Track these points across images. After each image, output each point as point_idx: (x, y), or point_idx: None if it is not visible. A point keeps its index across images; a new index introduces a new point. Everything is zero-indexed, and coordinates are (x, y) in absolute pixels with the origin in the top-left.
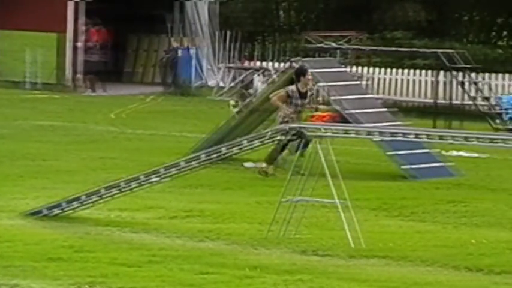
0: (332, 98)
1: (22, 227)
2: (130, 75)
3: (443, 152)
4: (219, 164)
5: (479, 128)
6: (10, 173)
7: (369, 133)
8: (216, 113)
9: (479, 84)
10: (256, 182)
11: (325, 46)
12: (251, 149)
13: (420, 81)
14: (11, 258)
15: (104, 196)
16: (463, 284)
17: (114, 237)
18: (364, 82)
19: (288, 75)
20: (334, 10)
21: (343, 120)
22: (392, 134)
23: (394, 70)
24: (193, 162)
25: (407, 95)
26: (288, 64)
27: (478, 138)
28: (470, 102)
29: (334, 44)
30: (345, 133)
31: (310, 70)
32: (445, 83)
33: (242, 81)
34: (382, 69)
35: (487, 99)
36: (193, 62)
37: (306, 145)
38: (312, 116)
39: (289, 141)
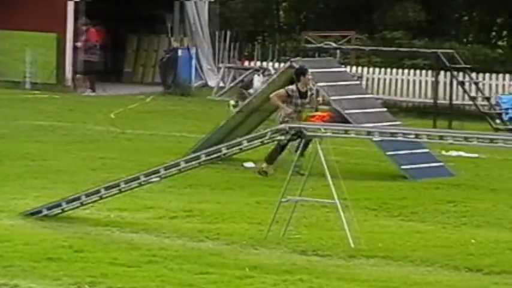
0: (332, 98)
1: (22, 227)
2: (130, 75)
3: (443, 152)
4: (219, 164)
5: (479, 128)
6: (10, 173)
7: (369, 133)
8: (216, 113)
9: (480, 84)
10: (256, 182)
11: (325, 46)
12: (251, 149)
13: (420, 81)
14: (11, 258)
15: (104, 196)
16: (463, 284)
17: (114, 237)
18: (364, 82)
19: (288, 75)
20: (334, 10)
21: (343, 120)
22: (392, 134)
23: (394, 70)
24: (193, 162)
25: (407, 95)
26: (287, 64)
27: (478, 138)
28: (471, 102)
29: (334, 44)
30: (345, 133)
31: (310, 70)
32: (445, 83)
33: (242, 81)
34: (382, 69)
35: (487, 99)
36: (193, 62)
37: (306, 145)
38: (312, 116)
39: (289, 141)
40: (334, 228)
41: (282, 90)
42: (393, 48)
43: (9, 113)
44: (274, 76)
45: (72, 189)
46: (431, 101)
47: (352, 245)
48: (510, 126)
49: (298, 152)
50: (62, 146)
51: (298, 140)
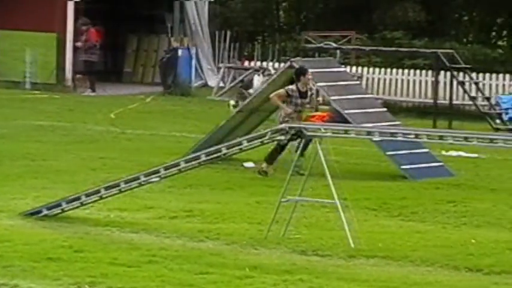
0: (332, 98)
1: (22, 227)
2: (130, 75)
3: (443, 152)
4: (219, 164)
5: (479, 128)
6: (10, 173)
7: (369, 133)
8: (216, 113)
9: (480, 84)
10: (256, 182)
11: (325, 46)
12: (251, 148)
13: (420, 81)
14: (11, 258)
15: (104, 196)
16: (463, 284)
17: (114, 237)
18: (364, 82)
19: (288, 75)
20: (334, 10)
21: (343, 120)
22: (392, 134)
23: (394, 70)
24: (193, 162)
25: (407, 95)
26: (287, 64)
27: (478, 138)
28: (470, 102)
29: (334, 44)
30: (345, 133)
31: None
32: (445, 83)
33: (242, 81)
34: (382, 69)
35: (487, 99)
36: (193, 62)
37: (306, 145)
38: (312, 116)
39: (289, 141)
40: (334, 228)
41: (282, 90)
42: (393, 48)
43: (9, 113)
44: (274, 76)
45: (72, 189)
46: (431, 101)
47: (352, 245)
48: (510, 126)
49: (298, 152)
50: (62, 146)
51: (298, 140)
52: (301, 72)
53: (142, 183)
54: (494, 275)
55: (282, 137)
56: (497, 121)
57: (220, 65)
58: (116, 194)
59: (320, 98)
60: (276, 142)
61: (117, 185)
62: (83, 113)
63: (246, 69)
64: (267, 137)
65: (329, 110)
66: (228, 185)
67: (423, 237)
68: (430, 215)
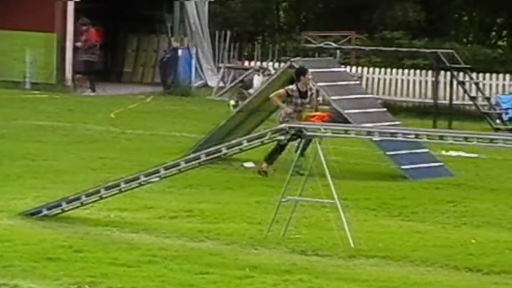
0: (332, 98)
1: (22, 227)
2: (130, 75)
3: (443, 152)
4: (219, 164)
5: (479, 128)
6: (10, 173)
7: (369, 133)
8: (216, 113)
9: (480, 84)
10: (256, 182)
11: (325, 46)
12: (251, 148)
13: (420, 81)
14: (11, 258)
15: (104, 196)
16: (463, 284)
17: (114, 237)
18: (364, 82)
19: (288, 75)
20: (334, 10)
21: (343, 120)
22: (392, 134)
23: (394, 70)
24: (193, 162)
25: (407, 95)
26: (287, 64)
27: (478, 138)
28: (471, 102)
29: (334, 44)
30: (345, 133)
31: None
32: (445, 83)
33: (242, 81)
34: (382, 69)
35: (487, 99)
36: (193, 62)
37: (306, 145)
38: (312, 116)
39: (289, 141)
40: (334, 228)
41: (282, 90)
42: (393, 48)
43: (9, 113)
44: (274, 76)
45: (72, 189)
46: (431, 101)
47: (352, 245)
48: (510, 126)
49: (298, 152)
50: (62, 146)
51: (298, 140)
52: (301, 72)
53: (142, 183)
54: (494, 275)
55: (282, 137)
56: (497, 121)
57: (220, 65)
58: (116, 194)
59: (320, 98)
60: (276, 142)
61: (117, 185)
62: (83, 113)
63: (246, 69)
64: (267, 137)
65: (329, 110)
66: (228, 185)
67: (423, 237)
68: (430, 215)
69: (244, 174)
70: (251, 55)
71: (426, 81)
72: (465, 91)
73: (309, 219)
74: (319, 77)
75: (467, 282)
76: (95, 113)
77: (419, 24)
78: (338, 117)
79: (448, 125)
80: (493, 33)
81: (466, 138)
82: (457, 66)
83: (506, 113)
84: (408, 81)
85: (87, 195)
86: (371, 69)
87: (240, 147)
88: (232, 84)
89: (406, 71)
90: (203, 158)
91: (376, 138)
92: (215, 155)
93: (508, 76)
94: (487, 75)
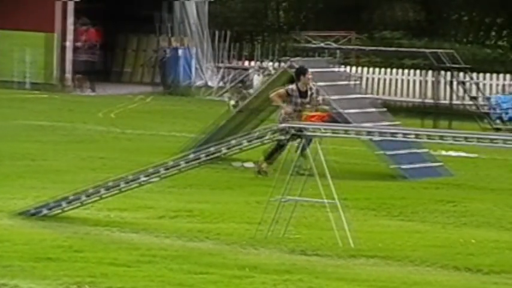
0: (332, 98)
1: (22, 227)
2: (130, 75)
3: (443, 152)
4: (219, 164)
5: (479, 128)
6: (10, 173)
7: (369, 133)
8: (216, 113)
9: (480, 84)
10: (256, 182)
11: (325, 46)
12: (251, 148)
13: (420, 81)
14: (11, 258)
15: (104, 196)
16: (463, 284)
17: (114, 237)
18: (364, 82)
19: (287, 75)
20: (334, 10)
21: (343, 120)
22: (392, 134)
23: (394, 70)
24: (193, 162)
25: (407, 95)
26: (287, 64)
27: (478, 138)
28: (471, 102)
29: (334, 44)
30: (345, 133)
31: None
32: (445, 83)
33: (242, 81)
34: (382, 69)
35: (487, 99)
36: (193, 62)
37: (306, 145)
38: (312, 116)
39: (288, 140)
40: (334, 228)
41: (282, 90)
42: (393, 48)
43: (9, 113)
44: (274, 76)
45: (72, 189)
46: (431, 101)
47: (352, 245)
48: (510, 126)
49: (298, 152)
50: (62, 146)
51: (298, 140)
52: (301, 72)
53: (142, 183)
54: (494, 275)
55: (282, 137)
56: (497, 121)
57: (220, 65)
58: (116, 194)
59: (320, 98)
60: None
61: (117, 185)
62: (83, 113)
63: (246, 69)
64: (267, 137)
65: (329, 110)
66: (228, 185)
67: (423, 237)
68: (430, 215)
69: (244, 174)
70: (251, 55)
71: (426, 81)
72: (465, 91)
73: (309, 219)
74: (319, 77)
75: (467, 282)
76: (95, 113)
77: (419, 24)
78: (338, 118)
79: (448, 125)
80: (493, 33)
81: (466, 138)
82: (457, 66)
83: (506, 113)
84: (408, 81)
85: (87, 195)
86: (371, 69)
87: (240, 147)
88: (232, 84)
89: (406, 71)
90: (203, 157)
91: (376, 138)
92: (215, 155)
93: (508, 76)
94: (487, 75)
